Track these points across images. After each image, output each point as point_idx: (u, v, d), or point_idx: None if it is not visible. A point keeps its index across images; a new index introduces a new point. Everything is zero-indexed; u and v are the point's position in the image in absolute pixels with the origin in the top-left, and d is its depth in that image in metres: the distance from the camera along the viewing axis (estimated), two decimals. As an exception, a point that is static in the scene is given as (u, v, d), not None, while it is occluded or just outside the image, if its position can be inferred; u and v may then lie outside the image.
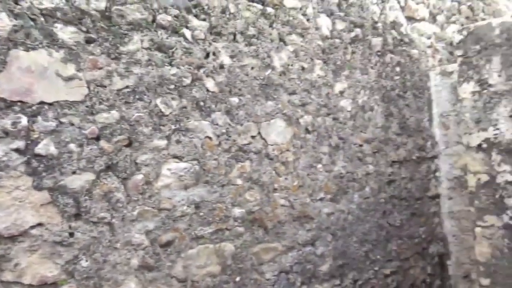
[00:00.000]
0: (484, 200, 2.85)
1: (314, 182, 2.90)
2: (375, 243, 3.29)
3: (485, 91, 2.85)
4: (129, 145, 2.05)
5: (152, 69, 2.16)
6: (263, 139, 2.64)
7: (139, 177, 2.07)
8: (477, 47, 2.90)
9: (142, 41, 2.13)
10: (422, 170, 3.78)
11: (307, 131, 2.90)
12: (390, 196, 3.47)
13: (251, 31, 2.66)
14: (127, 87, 2.07)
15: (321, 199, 2.93)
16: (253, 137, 2.59)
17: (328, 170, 3.00)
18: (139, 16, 2.13)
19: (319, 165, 2.95)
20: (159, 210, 2.14)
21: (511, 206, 2.73)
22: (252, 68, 2.63)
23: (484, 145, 2.86)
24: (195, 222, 2.28)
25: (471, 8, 4.97)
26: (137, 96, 2.10)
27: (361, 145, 3.27)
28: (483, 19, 5.32)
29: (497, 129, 2.80)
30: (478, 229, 2.91)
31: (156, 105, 2.16)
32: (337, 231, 3.02)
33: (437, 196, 3.89)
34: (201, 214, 2.31)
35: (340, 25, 3.23)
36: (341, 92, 3.17)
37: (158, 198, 2.14)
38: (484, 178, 2.84)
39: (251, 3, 2.68)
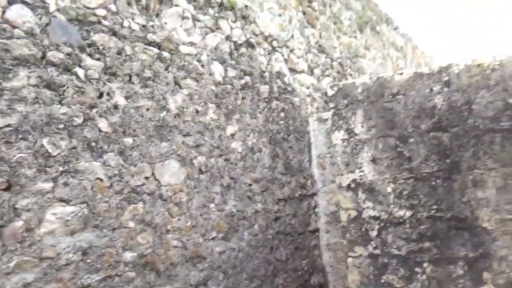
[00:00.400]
0: (353, 233, 3.27)
1: (206, 221, 2.98)
2: (263, 279, 3.46)
3: (352, 138, 3.35)
4: (7, 188, 1.88)
5: (40, 107, 2.05)
6: (157, 180, 2.65)
7: (18, 224, 1.90)
8: (345, 101, 3.41)
9: (29, 77, 2.02)
10: (303, 207, 4.16)
11: (201, 171, 3.00)
12: (276, 232, 3.72)
13: (147, 73, 2.71)
14: (8, 125, 1.92)
15: (213, 238, 3.01)
16: (146, 178, 2.58)
17: (220, 209, 3.12)
18: (26, 51, 2.03)
19: (212, 205, 3.05)
20: (41, 260, 1.97)
21: (374, 238, 3.19)
22: (147, 109, 2.66)
23: (352, 185, 3.32)
24: (81, 270, 2.14)
25: (341, 64, 5.81)
26: (20, 136, 1.95)
27: (250, 185, 3.48)
28: (351, 74, 6.25)
29: (362, 171, 3.29)
30: (349, 259, 3.30)
31: (42, 145, 2.03)
32: (228, 269, 3.11)
33: (317, 230, 4.29)
34: (89, 261, 2.18)
35: (231, 72, 3.48)
36: (233, 135, 3.37)
37: (40, 246, 1.97)
38: (353, 213, 3.28)
39: (147, 47, 2.75)
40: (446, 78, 3.11)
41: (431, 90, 3.13)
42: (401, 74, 3.27)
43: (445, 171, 3.05)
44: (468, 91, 3.03)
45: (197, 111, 3.05)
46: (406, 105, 3.19)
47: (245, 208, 3.38)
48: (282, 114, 4.11)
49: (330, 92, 3.49)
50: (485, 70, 2.98)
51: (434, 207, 3.06)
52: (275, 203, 3.77)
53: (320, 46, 5.22)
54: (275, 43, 4.29)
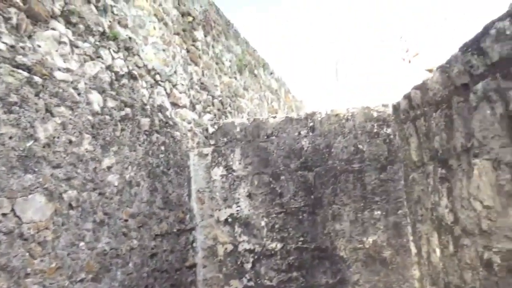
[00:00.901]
0: (229, 266, 3.37)
1: (75, 262, 2.73)
2: (135, 320, 3.28)
3: (230, 175, 3.52)
4: None
5: None
6: (17, 216, 2.36)
7: None
8: (225, 139, 3.60)
9: None
10: (181, 242, 4.12)
11: (71, 206, 2.77)
12: (152, 270, 3.60)
13: (13, 98, 2.46)
14: None
15: (81, 280, 2.76)
16: (4, 215, 2.28)
17: (91, 247, 2.90)
18: None
19: (82, 243, 2.82)
20: None
21: (248, 270, 3.34)
22: (11, 137, 2.40)
23: (230, 219, 3.47)
24: None
25: (221, 102, 6.09)
26: None
27: (126, 220, 3.33)
28: (230, 112, 6.59)
29: (239, 206, 3.47)
30: (225, 293, 3.38)
31: None
32: (97, 313, 2.88)
33: (194, 265, 4.28)
34: None
35: (111, 103, 3.37)
36: (109, 167, 3.22)
37: None
38: (230, 247, 3.40)
39: (15, 69, 2.51)
40: (311, 124, 3.56)
41: (299, 133, 3.54)
42: (274, 117, 3.62)
43: (310, 206, 3.42)
44: (328, 136, 3.52)
45: (70, 141, 2.85)
46: (278, 146, 3.52)
47: (119, 246, 3.21)
48: (162, 148, 4.09)
49: (211, 129, 3.65)
50: (341, 120, 3.52)
51: (301, 239, 3.38)
52: (152, 239, 3.66)
53: (202, 83, 5.41)
54: (158, 77, 4.31)
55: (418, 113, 3.01)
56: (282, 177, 3.46)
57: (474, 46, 2.11)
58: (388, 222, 3.30)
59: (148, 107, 3.94)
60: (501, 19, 1.86)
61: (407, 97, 3.20)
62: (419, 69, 15.37)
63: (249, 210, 3.45)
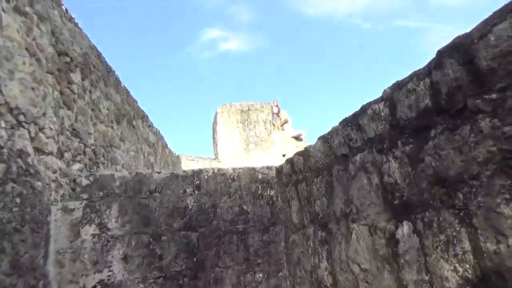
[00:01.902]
0: None
1: None
2: None
3: (104, 234, 3.12)
4: None
5: None
6: None
7: None
8: (101, 193, 3.23)
9: None
10: (28, 317, 3.38)
11: None
12: None
13: None
14: None
15: None
16: None
17: None
18: None
19: None
20: None
21: None
22: None
23: (98, 287, 3.01)
24: None
25: (94, 152, 5.57)
26: None
27: (-44, 293, 2.60)
28: (103, 163, 6.04)
29: (111, 270, 3.05)
30: None
31: None
32: None
33: None
34: None
35: (-43, 143, 2.76)
36: None
37: None
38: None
39: None
40: (197, 182, 3.46)
41: (185, 191, 3.40)
42: (159, 172, 3.43)
43: (191, 269, 3.21)
44: (214, 195, 3.46)
45: None
46: (161, 203, 3.30)
47: None
48: (18, 200, 3.45)
49: (85, 182, 3.24)
50: (228, 179, 3.53)
51: (179, 306, 3.11)
52: (-11, 315, 2.92)
53: (74, 129, 4.90)
54: (22, 118, 3.75)
55: (300, 178, 3.21)
56: (164, 238, 3.21)
57: (354, 122, 2.39)
58: (269, 285, 3.30)
59: (5, 151, 3.34)
60: (376, 102, 2.16)
61: (290, 161, 3.41)
62: (288, 136, 16.85)
63: (123, 275, 3.06)
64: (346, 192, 2.51)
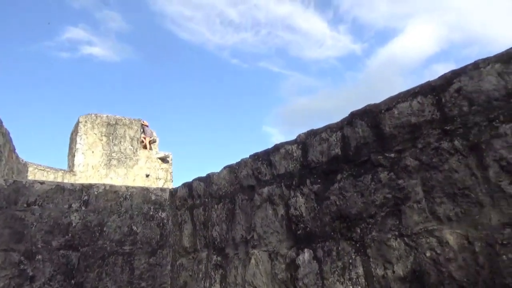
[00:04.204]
0: None
1: None
2: None
3: (-39, 249, 2.63)
4: None
5: None
6: None
7: None
8: (-36, 200, 2.73)
9: None
10: None
11: None
12: None
13: None
14: None
15: None
16: None
17: None
18: None
19: None
20: None
21: None
22: None
23: None
24: None
25: None
26: None
27: None
28: None
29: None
30: None
31: None
32: None
33: None
34: None
35: None
36: None
37: None
38: None
39: None
40: (85, 198, 3.22)
41: (70, 206, 3.12)
42: (42, 183, 3.07)
43: (68, 293, 2.92)
44: (103, 213, 3.26)
45: None
46: (41, 218, 2.95)
47: None
48: None
49: None
50: (120, 198, 3.38)
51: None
52: None
53: None
54: None
55: (198, 203, 3.31)
56: (39, 257, 2.84)
57: (265, 158, 2.67)
58: (152, 309, 3.20)
59: None
60: (290, 143, 2.49)
61: (188, 186, 3.48)
62: (154, 156, 16.45)
63: (-20, 300, 2.59)
64: (248, 220, 2.73)
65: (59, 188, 3.14)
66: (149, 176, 15.83)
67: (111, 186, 3.40)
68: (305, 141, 2.39)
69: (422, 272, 1.68)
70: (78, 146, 14.88)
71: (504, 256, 1.44)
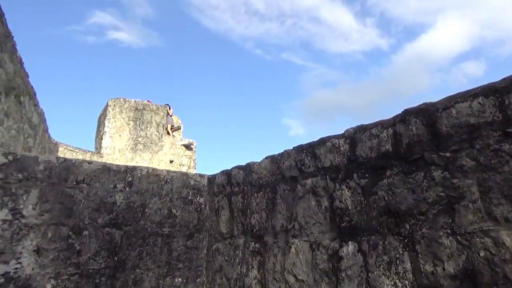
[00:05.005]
0: None
1: None
2: None
3: (16, 221, 2.79)
4: None
5: None
6: None
7: None
8: (20, 175, 2.88)
9: None
10: None
11: None
12: None
13: None
14: None
15: None
16: None
17: None
18: None
19: None
20: None
21: None
22: None
23: (1, 280, 2.65)
24: None
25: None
26: None
27: None
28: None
29: (19, 263, 2.73)
30: None
31: None
32: None
33: None
34: None
35: None
36: None
37: None
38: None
39: None
40: (130, 179, 3.34)
41: (115, 186, 3.24)
42: (90, 163, 3.21)
43: (111, 268, 3.06)
44: (145, 195, 3.38)
45: None
46: (88, 196, 3.09)
47: None
48: None
49: (1, 160, 2.85)
50: (161, 181, 3.49)
51: (90, 307, 2.92)
52: None
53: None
54: None
55: (236, 190, 3.39)
56: (85, 232, 2.98)
57: (309, 150, 2.71)
58: (187, 290, 3.32)
59: None
60: (337, 137, 2.52)
61: (226, 173, 3.56)
62: (178, 143, 16.69)
63: (33, 269, 2.74)
64: (289, 210, 2.79)
65: (106, 168, 3.26)
66: (173, 162, 16.10)
67: (153, 169, 3.51)
68: (353, 136, 2.42)
69: (474, 271, 1.70)
70: (106, 129, 15.24)
71: None
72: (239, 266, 3.15)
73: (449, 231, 1.83)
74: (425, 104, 2.05)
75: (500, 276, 1.61)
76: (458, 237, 1.79)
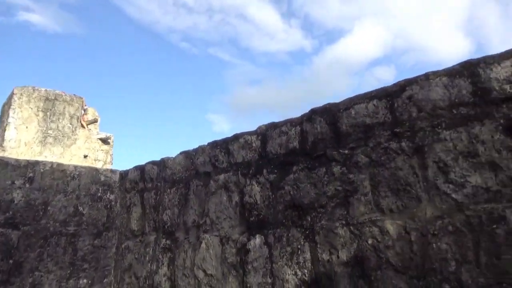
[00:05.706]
0: None
1: None
2: None
3: None
4: None
5: None
6: None
7: None
8: None
9: None
10: None
11: None
12: None
13: None
14: None
15: None
16: None
17: None
18: None
19: None
20: None
21: None
22: None
23: None
24: None
25: None
26: None
27: None
28: None
29: None
30: None
31: None
32: None
33: None
34: None
35: None
36: None
37: None
38: None
39: None
40: (30, 175, 3.07)
41: (13, 182, 2.95)
42: (-19, 156, 2.88)
43: (5, 272, 2.78)
44: (48, 192, 3.13)
45: None
46: (-22, 192, 2.77)
47: None
48: None
49: None
50: (67, 177, 3.25)
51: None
52: None
53: None
54: None
55: (149, 186, 3.30)
56: (-26, 233, 2.66)
57: (223, 146, 2.74)
58: (94, 291, 3.13)
59: None
60: (250, 133, 2.58)
61: (140, 168, 3.45)
62: (94, 136, 15.76)
63: None
64: (201, 206, 2.79)
65: (3, 162, 2.96)
66: (87, 157, 15.10)
67: (58, 164, 3.27)
68: (265, 133, 2.50)
69: (363, 257, 1.87)
70: (10, 120, 13.77)
71: (434, 245, 1.66)
72: (149, 264, 3.07)
73: (344, 222, 1.98)
74: (329, 104, 2.19)
75: (384, 261, 1.79)
76: (351, 227, 1.95)
